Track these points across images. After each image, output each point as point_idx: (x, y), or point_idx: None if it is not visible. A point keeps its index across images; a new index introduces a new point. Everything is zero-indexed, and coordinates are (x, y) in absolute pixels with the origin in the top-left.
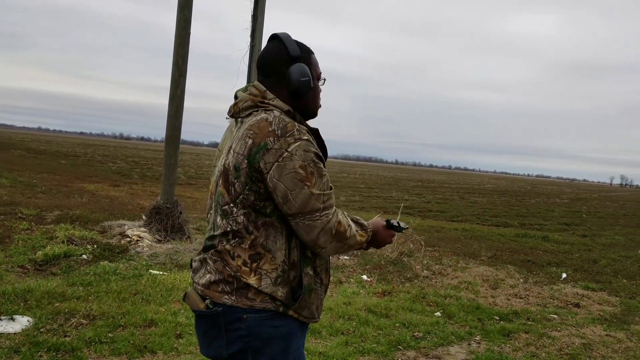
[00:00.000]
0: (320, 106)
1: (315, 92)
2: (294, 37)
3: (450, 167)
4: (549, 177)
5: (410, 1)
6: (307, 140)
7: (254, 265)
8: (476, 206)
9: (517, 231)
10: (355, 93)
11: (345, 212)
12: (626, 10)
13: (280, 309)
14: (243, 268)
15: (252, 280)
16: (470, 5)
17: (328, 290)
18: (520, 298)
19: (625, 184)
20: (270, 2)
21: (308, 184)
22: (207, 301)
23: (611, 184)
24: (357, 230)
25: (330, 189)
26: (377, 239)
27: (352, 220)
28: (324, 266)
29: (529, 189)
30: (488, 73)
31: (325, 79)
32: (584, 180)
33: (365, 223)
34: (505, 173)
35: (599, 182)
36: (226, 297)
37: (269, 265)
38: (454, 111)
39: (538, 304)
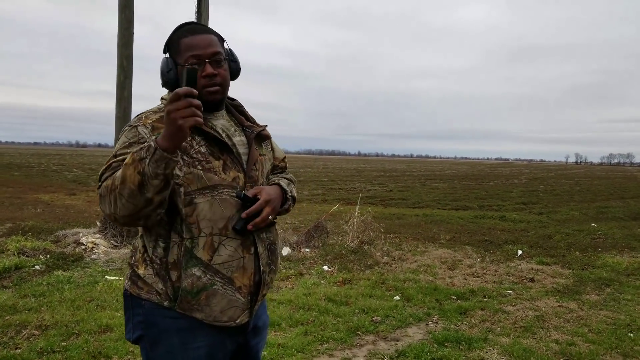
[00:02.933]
0: (202, 88)
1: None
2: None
3: (412, 156)
4: (508, 160)
5: None
6: (131, 127)
7: (145, 255)
8: (437, 192)
9: (476, 213)
10: (307, 88)
11: None
12: None
13: (165, 304)
14: (140, 258)
15: (140, 270)
16: None
17: (281, 281)
18: (477, 277)
19: (580, 162)
20: None
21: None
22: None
23: (567, 162)
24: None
25: (114, 167)
26: (167, 131)
27: (136, 146)
28: (234, 264)
29: (488, 172)
30: (434, 61)
31: (203, 59)
32: (541, 160)
33: (147, 143)
34: (466, 158)
35: (555, 161)
36: (127, 281)
37: (152, 257)
38: (407, 100)
39: (494, 281)
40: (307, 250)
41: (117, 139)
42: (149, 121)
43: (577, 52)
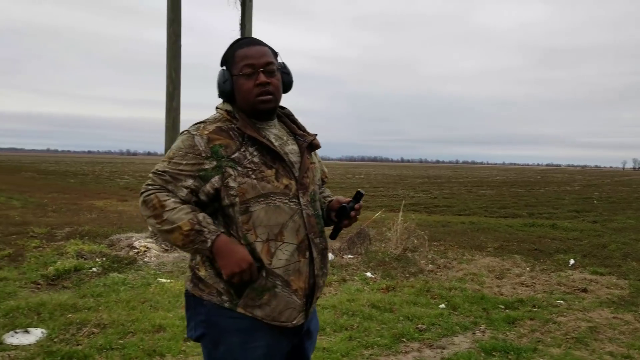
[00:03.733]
0: (255, 96)
1: (239, 88)
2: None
3: (457, 162)
4: (560, 165)
5: None
6: (189, 135)
7: (205, 257)
8: (484, 199)
9: (526, 221)
10: (348, 94)
11: (198, 213)
12: None
13: (226, 305)
14: (200, 260)
15: (202, 272)
16: None
17: (325, 287)
18: (527, 286)
19: (638, 167)
20: (257, 9)
21: (163, 160)
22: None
23: (624, 168)
24: (187, 220)
25: (174, 175)
26: (224, 252)
27: (201, 218)
28: (290, 267)
29: (539, 179)
30: (480, 64)
31: (256, 68)
32: (596, 166)
33: (209, 228)
34: (514, 164)
35: (611, 167)
36: (188, 283)
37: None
38: (451, 105)
39: (544, 291)
40: (349, 256)
41: (167, 149)
42: (206, 132)
43: (633, 50)
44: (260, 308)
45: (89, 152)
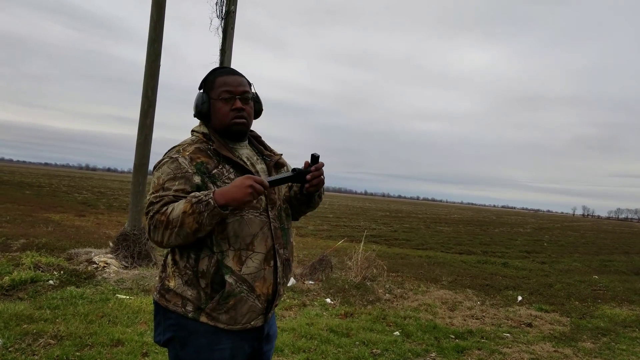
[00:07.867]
0: (231, 119)
1: (216, 111)
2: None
3: (418, 198)
4: (514, 208)
5: (352, 34)
6: (172, 159)
7: (175, 267)
8: (441, 235)
9: (479, 258)
10: (314, 124)
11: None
12: (568, 44)
13: (190, 315)
14: (170, 272)
15: (171, 283)
16: (412, 39)
17: (285, 311)
18: (477, 319)
19: (587, 215)
20: (236, 36)
21: (152, 191)
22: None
23: (574, 214)
24: (184, 203)
25: (169, 200)
26: (227, 191)
27: (192, 193)
28: (257, 274)
29: (494, 219)
30: (435, 104)
31: (234, 95)
32: (548, 210)
33: (203, 194)
34: (472, 204)
35: (562, 212)
36: (155, 293)
37: (182, 269)
38: (416, 142)
39: (493, 324)
40: (310, 282)
41: (138, 165)
42: (187, 153)
43: (585, 103)
44: (226, 312)
45: (46, 164)
